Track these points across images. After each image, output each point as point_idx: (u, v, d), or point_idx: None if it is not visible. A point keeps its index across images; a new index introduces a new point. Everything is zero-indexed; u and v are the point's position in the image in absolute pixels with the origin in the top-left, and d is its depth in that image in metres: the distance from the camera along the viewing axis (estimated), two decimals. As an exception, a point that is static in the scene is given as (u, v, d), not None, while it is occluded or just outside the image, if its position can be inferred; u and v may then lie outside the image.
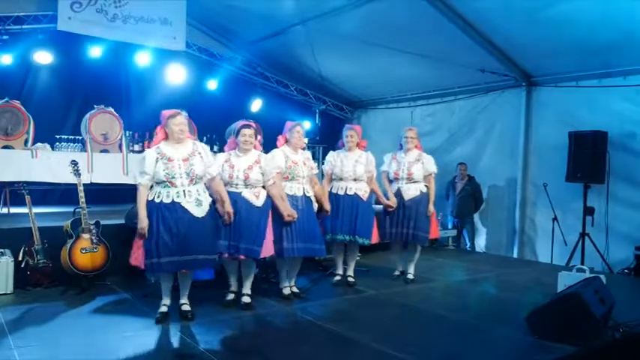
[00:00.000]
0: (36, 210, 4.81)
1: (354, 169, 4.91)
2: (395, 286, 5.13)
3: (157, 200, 3.75)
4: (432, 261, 6.60)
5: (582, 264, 5.78)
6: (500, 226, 7.65)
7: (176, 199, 3.74)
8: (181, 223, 3.72)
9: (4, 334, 3.50)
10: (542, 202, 6.94)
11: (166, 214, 3.72)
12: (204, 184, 3.94)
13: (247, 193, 4.16)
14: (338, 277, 5.17)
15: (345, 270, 5.19)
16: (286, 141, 4.60)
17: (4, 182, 5.90)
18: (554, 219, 6.67)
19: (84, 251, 4.63)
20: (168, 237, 3.69)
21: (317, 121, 9.60)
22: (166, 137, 3.88)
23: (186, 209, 3.75)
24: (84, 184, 4.81)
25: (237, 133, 4.21)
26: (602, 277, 4.21)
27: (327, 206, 4.76)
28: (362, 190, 4.93)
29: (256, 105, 8.94)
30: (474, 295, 4.92)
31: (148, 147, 4.10)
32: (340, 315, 4.22)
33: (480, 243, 7.87)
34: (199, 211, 3.80)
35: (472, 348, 3.51)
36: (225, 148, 4.40)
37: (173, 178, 3.75)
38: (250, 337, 3.76)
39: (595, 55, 6.08)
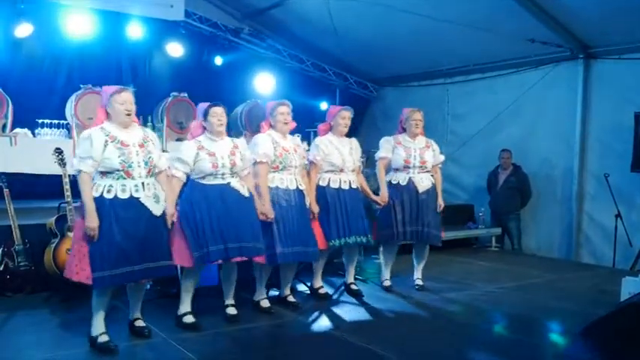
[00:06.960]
0: (16, 205, 4.85)
1: (351, 158, 4.87)
2: (425, 293, 5.12)
3: (109, 196, 3.50)
4: (472, 264, 6.57)
5: (650, 268, 5.72)
6: (553, 223, 7.57)
7: (134, 194, 3.55)
8: (140, 223, 3.55)
9: (-18, 345, 3.57)
10: (603, 196, 6.84)
11: (121, 212, 3.50)
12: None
13: (235, 183, 4.09)
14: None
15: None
16: (270, 125, 4.52)
17: (-20, 174, 6.00)
18: (617, 215, 6.59)
19: (70, 252, 4.68)
20: (125, 242, 3.48)
21: (337, 102, 9.55)
22: (107, 119, 3.69)
23: (144, 206, 3.57)
24: (70, 176, 4.86)
25: (207, 113, 4.09)
26: (675, 283, 4.15)
27: (315, 207, 4.62)
28: (357, 183, 4.93)
29: (266, 83, 8.92)
30: (522, 305, 4.88)
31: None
32: (364, 326, 4.23)
33: (529, 243, 7.79)
34: (158, 209, 3.65)
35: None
36: (189, 136, 4.23)
37: (130, 167, 3.54)
38: (262, 351, 3.77)
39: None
